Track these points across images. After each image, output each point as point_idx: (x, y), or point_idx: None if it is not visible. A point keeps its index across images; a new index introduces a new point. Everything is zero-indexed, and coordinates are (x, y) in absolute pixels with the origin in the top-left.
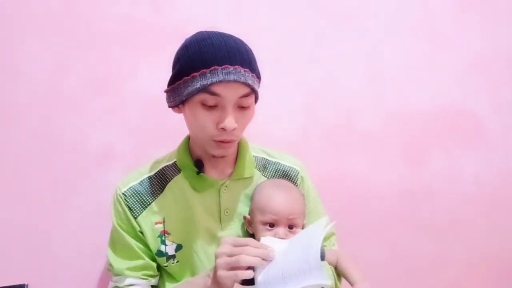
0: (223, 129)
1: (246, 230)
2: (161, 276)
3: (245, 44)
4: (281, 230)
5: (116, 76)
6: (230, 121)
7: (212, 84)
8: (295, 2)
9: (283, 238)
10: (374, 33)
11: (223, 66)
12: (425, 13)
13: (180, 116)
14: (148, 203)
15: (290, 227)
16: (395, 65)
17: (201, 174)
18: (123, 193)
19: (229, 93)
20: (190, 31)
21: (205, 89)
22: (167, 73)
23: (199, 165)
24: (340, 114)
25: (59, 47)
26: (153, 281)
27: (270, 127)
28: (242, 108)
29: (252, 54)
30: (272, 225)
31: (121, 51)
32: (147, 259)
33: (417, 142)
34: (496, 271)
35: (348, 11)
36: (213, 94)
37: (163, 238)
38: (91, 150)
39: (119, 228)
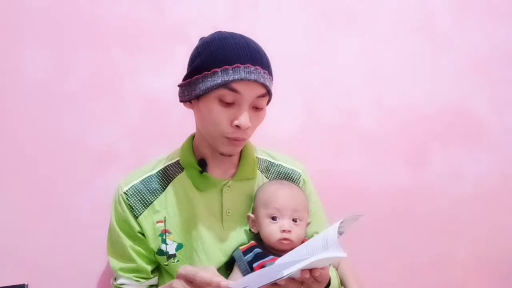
0: (238, 126)
1: (247, 230)
2: (161, 275)
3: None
4: (286, 222)
5: (116, 76)
6: (245, 119)
7: (233, 81)
8: (295, 2)
9: (289, 231)
10: (374, 33)
11: (246, 65)
12: (425, 13)
13: (181, 116)
14: (150, 202)
15: (295, 220)
16: (395, 65)
17: (204, 173)
18: (124, 192)
19: (248, 92)
20: (190, 31)
21: (225, 85)
22: (167, 73)
23: (202, 164)
24: (340, 114)
25: (59, 47)
26: (149, 282)
27: (270, 127)
28: (256, 109)
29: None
30: (275, 218)
31: (121, 51)
32: (140, 263)
33: (417, 142)
34: (496, 271)
35: (348, 11)
36: (233, 90)
37: (164, 237)
38: (91, 150)
39: (117, 228)
